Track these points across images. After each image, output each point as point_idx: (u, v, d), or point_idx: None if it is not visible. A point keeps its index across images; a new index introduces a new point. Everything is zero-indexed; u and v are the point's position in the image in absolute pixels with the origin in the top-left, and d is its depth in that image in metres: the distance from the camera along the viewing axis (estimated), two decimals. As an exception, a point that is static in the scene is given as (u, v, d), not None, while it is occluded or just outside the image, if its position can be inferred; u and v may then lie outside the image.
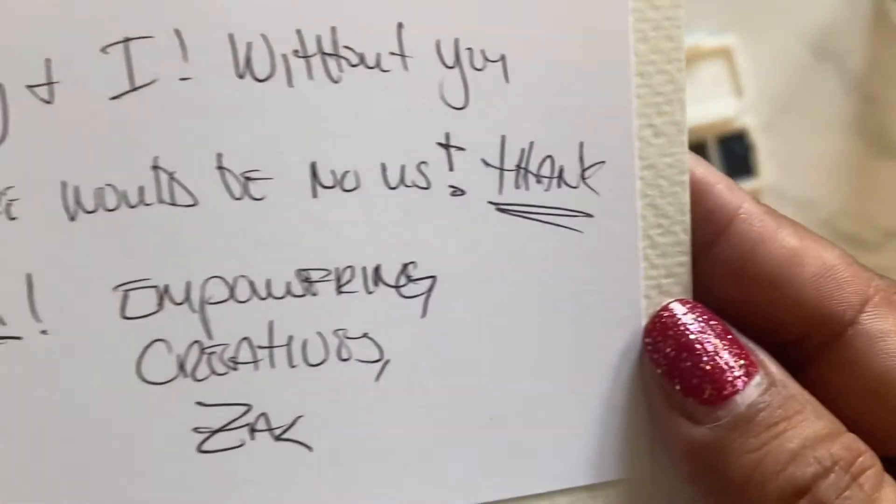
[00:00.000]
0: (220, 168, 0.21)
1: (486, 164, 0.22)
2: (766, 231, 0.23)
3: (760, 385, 0.21)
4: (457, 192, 0.22)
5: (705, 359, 0.21)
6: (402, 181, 0.22)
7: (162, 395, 0.21)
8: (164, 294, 0.21)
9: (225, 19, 0.21)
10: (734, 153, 0.54)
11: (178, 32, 0.20)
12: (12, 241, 0.20)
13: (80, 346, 0.21)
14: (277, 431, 0.22)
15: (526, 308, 0.23)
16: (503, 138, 0.22)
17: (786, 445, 0.20)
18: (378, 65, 0.21)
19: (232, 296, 0.21)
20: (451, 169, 0.22)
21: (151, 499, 0.21)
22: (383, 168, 0.22)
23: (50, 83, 0.20)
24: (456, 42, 0.22)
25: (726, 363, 0.21)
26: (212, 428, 0.21)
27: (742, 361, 0.21)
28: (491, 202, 0.22)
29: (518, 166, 0.22)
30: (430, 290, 0.22)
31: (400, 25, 0.21)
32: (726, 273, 0.23)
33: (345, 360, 0.22)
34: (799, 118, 0.55)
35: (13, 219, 0.20)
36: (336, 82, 0.21)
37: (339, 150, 0.21)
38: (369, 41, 0.21)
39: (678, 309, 0.22)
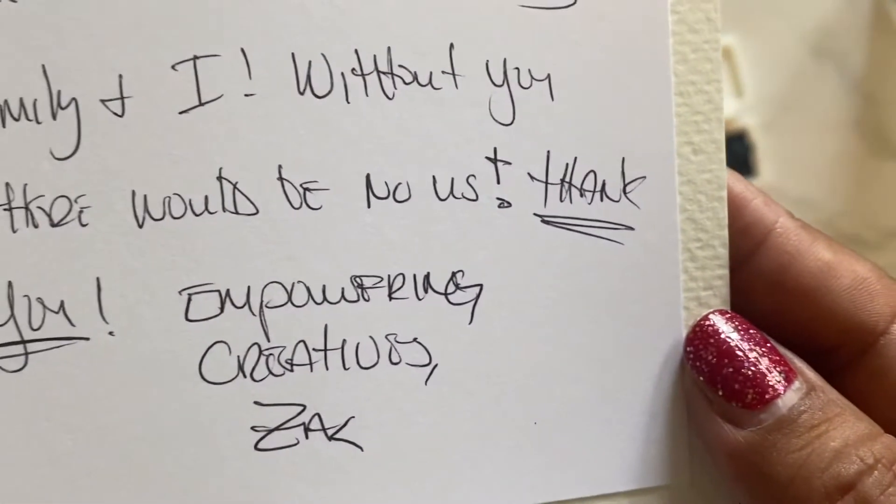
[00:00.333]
0: (281, 179, 0.22)
1: (532, 177, 0.23)
2: (802, 245, 0.24)
3: (800, 389, 0.22)
4: (504, 204, 0.23)
5: (747, 364, 0.22)
6: (451, 193, 0.23)
7: (222, 395, 0.22)
8: (225, 298, 0.22)
9: (287, 39, 0.22)
10: (734, 153, 0.54)
11: (243, 51, 0.22)
12: (83, 246, 0.22)
13: (145, 347, 0.22)
14: (330, 431, 0.23)
15: (569, 316, 0.23)
16: (548, 153, 0.23)
17: (829, 444, 0.21)
18: (430, 83, 0.22)
19: (289, 300, 0.22)
20: (498, 182, 0.23)
21: (210, 494, 0.22)
22: (434, 180, 0.23)
23: (122, 98, 0.21)
24: (504, 62, 0.23)
25: (767, 368, 0.22)
26: (268, 427, 0.22)
27: (781, 368, 0.22)
28: (536, 214, 0.23)
29: (562, 180, 0.23)
30: (478, 297, 0.23)
31: (451, 46, 0.23)
32: (763, 285, 0.24)
33: (395, 363, 0.23)
34: (799, 118, 0.54)
35: (84, 225, 0.22)
36: (390, 99, 0.22)
37: (392, 163, 0.22)
38: (422, 60, 0.22)
39: (718, 319, 0.23)
